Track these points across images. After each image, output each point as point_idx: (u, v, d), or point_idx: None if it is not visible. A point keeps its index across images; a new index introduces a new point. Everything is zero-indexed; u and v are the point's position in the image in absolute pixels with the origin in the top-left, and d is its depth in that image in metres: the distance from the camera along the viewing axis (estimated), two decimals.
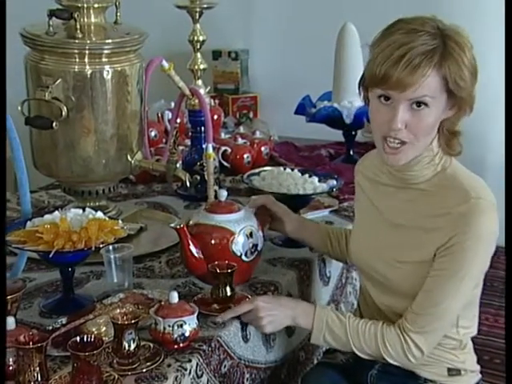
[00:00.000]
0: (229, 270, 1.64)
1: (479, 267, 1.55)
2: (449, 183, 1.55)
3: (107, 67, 1.89)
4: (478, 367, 1.70)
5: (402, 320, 1.57)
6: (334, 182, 2.09)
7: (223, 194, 1.79)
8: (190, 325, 1.50)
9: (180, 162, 2.29)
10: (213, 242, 1.72)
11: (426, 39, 1.47)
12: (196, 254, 1.71)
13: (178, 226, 1.70)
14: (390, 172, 1.62)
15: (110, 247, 1.70)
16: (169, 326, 1.48)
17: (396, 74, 1.45)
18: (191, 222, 1.76)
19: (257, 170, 2.16)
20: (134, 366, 1.43)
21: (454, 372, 1.64)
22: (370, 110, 1.57)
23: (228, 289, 1.65)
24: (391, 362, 1.59)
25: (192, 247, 1.71)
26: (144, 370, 1.42)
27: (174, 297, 1.53)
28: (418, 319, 1.55)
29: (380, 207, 1.66)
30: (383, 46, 1.48)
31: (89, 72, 1.87)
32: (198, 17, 2.31)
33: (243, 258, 1.73)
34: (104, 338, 1.41)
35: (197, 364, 1.49)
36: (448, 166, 1.58)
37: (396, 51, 1.46)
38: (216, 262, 1.66)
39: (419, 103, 1.49)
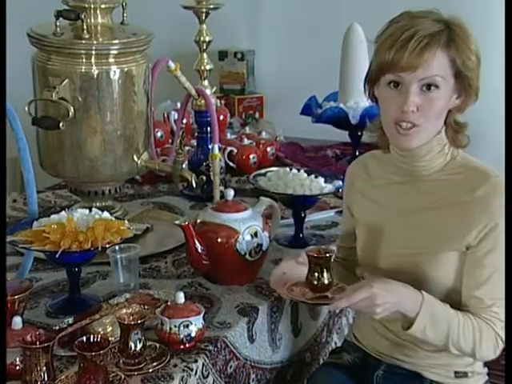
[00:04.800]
0: (327, 255, 1.50)
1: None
2: (462, 170, 1.57)
3: (114, 68, 1.90)
4: (485, 369, 1.69)
5: (489, 313, 1.52)
6: (340, 183, 2.08)
7: (230, 193, 1.80)
8: (196, 325, 1.50)
9: (186, 162, 2.30)
10: (219, 240, 1.73)
11: (430, 23, 1.50)
12: (200, 252, 1.72)
13: (183, 224, 1.72)
14: (401, 168, 1.61)
15: (117, 247, 1.70)
16: (175, 326, 1.48)
17: (406, 55, 1.47)
18: (198, 220, 1.78)
19: (263, 171, 2.16)
20: (140, 366, 1.43)
21: (460, 374, 1.63)
22: (381, 99, 1.57)
23: (326, 275, 1.49)
24: (478, 358, 1.56)
25: (197, 245, 1.72)
26: (150, 370, 1.42)
27: (180, 297, 1.53)
28: (500, 310, 1.51)
29: (395, 207, 1.62)
30: (389, 32, 1.51)
31: (95, 72, 1.88)
32: (204, 17, 2.32)
33: (247, 257, 1.74)
34: (110, 338, 1.41)
35: (203, 364, 1.49)
36: (457, 155, 1.59)
37: (403, 35, 1.48)
38: (313, 247, 1.55)
39: (429, 85, 1.50)
